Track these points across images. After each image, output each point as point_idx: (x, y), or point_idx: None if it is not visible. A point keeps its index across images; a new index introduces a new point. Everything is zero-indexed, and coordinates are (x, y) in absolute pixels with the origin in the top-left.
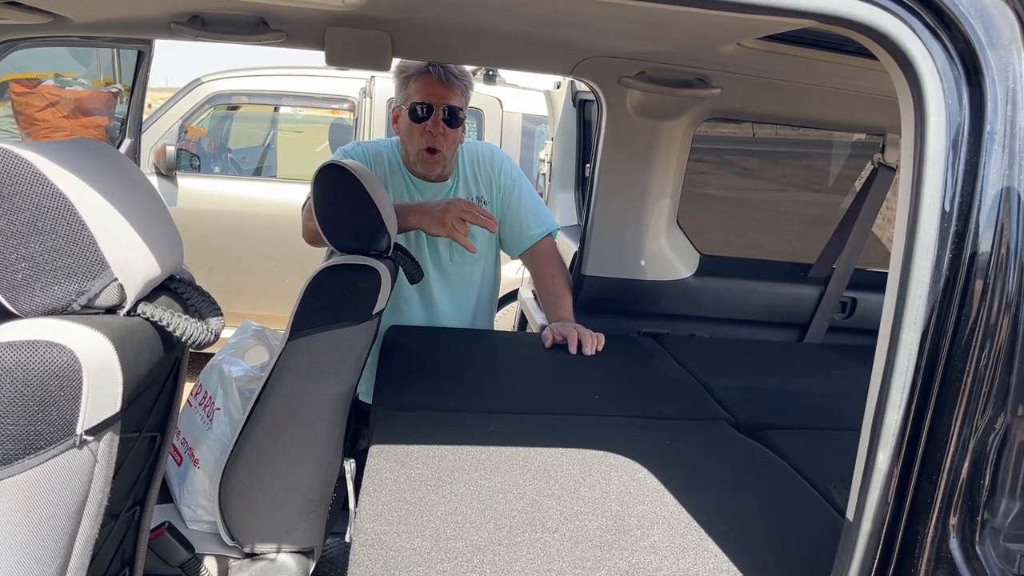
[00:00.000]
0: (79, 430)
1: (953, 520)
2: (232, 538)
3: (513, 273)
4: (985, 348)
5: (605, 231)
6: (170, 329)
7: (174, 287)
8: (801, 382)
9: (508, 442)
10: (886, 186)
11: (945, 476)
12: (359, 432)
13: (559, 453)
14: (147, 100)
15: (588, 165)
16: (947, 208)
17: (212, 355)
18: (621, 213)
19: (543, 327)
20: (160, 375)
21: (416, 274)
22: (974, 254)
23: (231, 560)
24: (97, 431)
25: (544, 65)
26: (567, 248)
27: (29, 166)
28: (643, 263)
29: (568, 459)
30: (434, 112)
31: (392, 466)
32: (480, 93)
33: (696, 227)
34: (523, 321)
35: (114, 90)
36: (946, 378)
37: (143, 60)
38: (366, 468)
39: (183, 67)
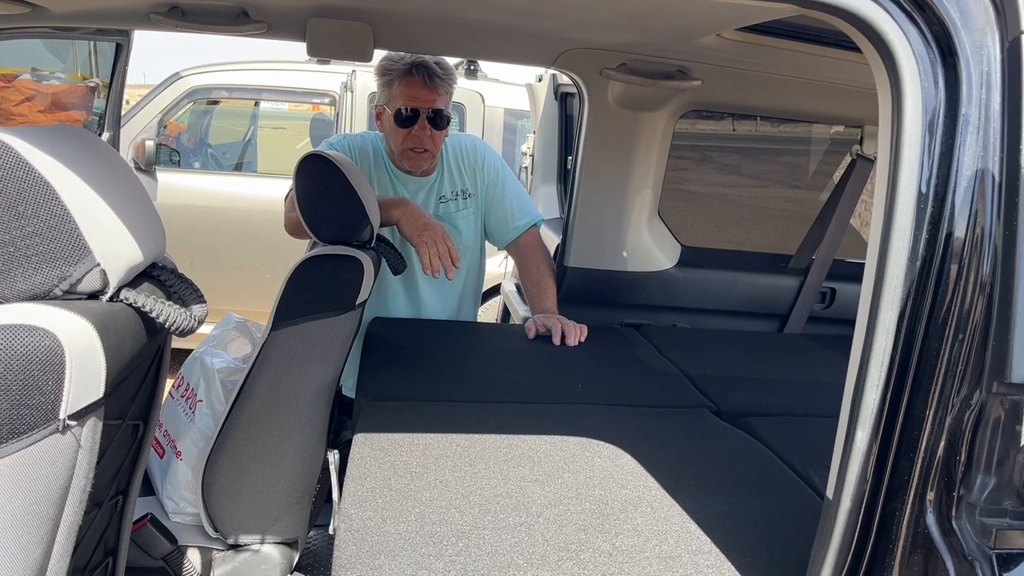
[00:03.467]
0: (62, 415)
1: (930, 496)
2: (215, 530)
3: (496, 267)
4: (961, 327)
5: (587, 223)
6: (153, 315)
7: (156, 274)
8: (781, 371)
9: (492, 430)
10: (865, 177)
11: (922, 453)
12: (343, 424)
13: (543, 440)
14: (125, 96)
15: (570, 158)
16: (923, 190)
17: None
18: (603, 205)
19: (526, 319)
20: (143, 362)
21: (399, 265)
22: (949, 235)
23: (214, 552)
24: (80, 416)
25: (526, 57)
26: (550, 241)
27: (10, 150)
28: (625, 254)
29: (552, 446)
30: (420, 117)
31: (376, 454)
32: (462, 88)
33: (677, 224)
34: (506, 314)
35: (92, 84)
36: (923, 357)
37: (121, 53)
38: (350, 455)
39: (161, 64)
